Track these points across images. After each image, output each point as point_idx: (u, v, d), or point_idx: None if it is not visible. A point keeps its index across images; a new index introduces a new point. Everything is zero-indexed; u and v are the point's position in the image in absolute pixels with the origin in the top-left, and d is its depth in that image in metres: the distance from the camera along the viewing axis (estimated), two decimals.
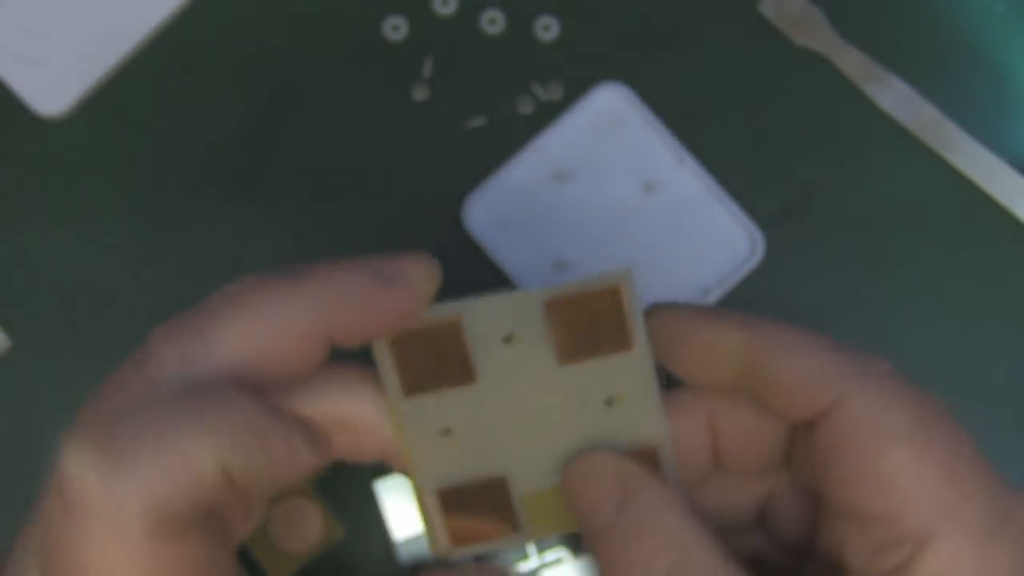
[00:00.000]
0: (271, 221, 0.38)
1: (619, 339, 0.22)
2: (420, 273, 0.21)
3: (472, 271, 0.38)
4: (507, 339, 0.22)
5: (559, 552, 0.34)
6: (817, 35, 0.39)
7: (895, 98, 0.38)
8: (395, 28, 0.39)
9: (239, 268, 0.38)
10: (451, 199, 0.38)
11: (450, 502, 0.23)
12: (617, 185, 0.38)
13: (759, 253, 0.37)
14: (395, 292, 0.21)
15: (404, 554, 0.34)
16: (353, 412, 0.22)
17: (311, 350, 0.21)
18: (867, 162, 0.38)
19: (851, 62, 0.39)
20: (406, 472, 0.23)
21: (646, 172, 0.38)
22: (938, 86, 0.38)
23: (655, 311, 0.22)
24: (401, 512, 0.35)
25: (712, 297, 0.37)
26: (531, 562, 0.34)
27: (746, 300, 0.37)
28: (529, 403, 0.23)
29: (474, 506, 0.23)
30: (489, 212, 0.38)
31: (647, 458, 0.23)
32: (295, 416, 0.21)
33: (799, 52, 0.39)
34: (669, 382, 0.23)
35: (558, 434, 0.23)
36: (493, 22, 0.39)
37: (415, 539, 0.34)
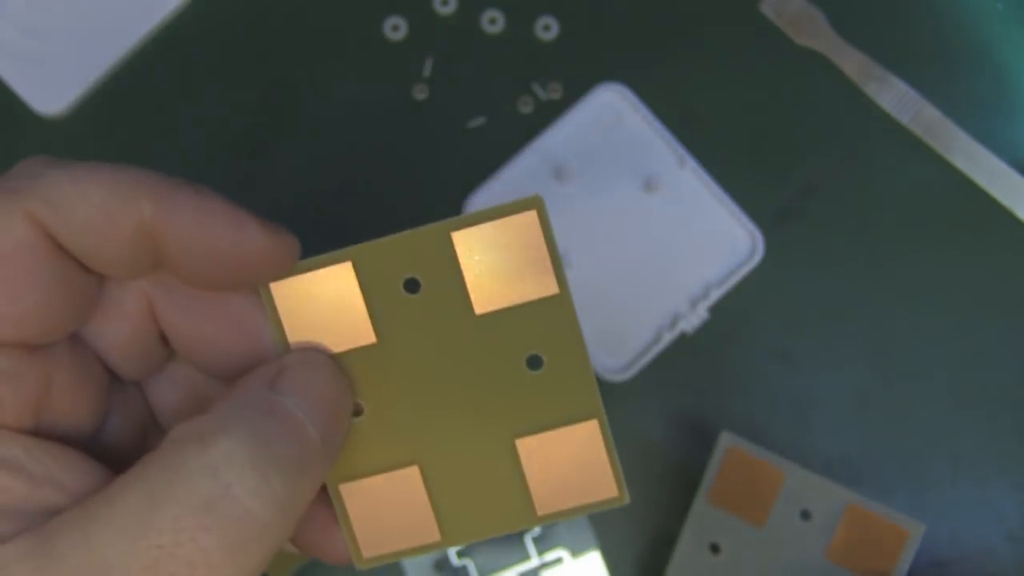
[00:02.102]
0: (271, 221, 0.38)
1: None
2: (288, 234, 0.20)
3: None
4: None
5: (559, 552, 0.34)
6: (817, 35, 0.39)
7: (895, 98, 0.38)
8: (395, 28, 0.39)
9: None
10: (451, 198, 0.38)
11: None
12: (617, 185, 0.38)
13: (759, 253, 0.37)
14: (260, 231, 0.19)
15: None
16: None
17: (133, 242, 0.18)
18: (867, 162, 0.38)
19: (851, 62, 0.39)
20: None
21: (646, 172, 0.38)
22: (938, 86, 0.38)
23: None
24: None
25: (712, 296, 0.37)
26: (531, 562, 0.34)
27: (746, 300, 0.37)
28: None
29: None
30: None
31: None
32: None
33: (799, 52, 0.39)
34: None
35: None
36: (493, 22, 0.39)
37: None
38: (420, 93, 0.39)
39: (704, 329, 0.37)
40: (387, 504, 0.20)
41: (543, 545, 0.34)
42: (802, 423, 0.37)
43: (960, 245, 0.38)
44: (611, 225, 0.38)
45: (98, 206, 0.17)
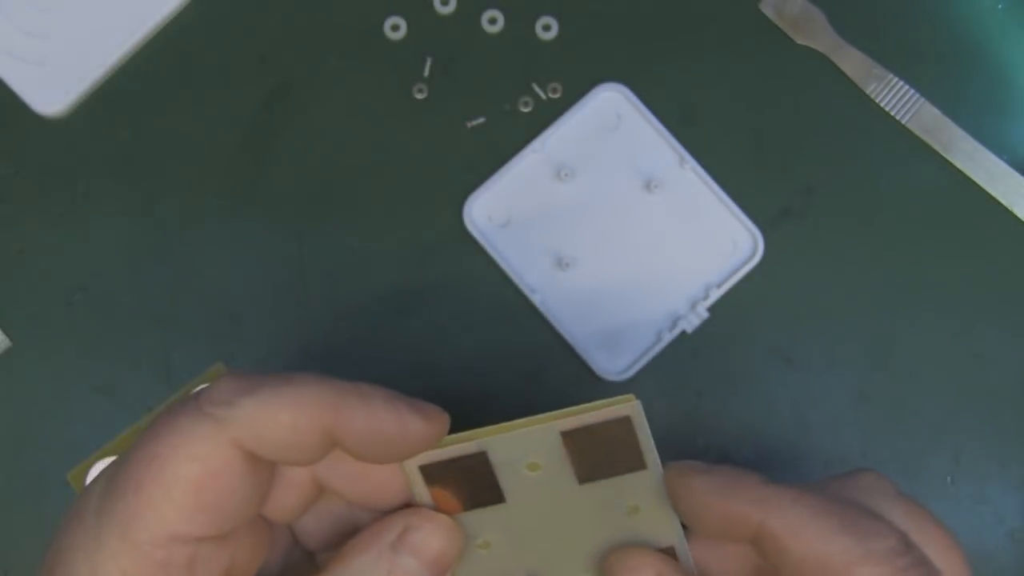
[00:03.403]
0: (271, 221, 0.38)
1: (633, 462, 0.24)
2: (438, 414, 0.23)
3: (472, 270, 0.38)
4: (530, 467, 0.24)
5: None
6: (817, 35, 0.39)
7: (895, 98, 0.38)
8: (395, 27, 0.39)
9: (239, 267, 0.38)
10: (451, 198, 0.38)
11: None
12: (617, 184, 0.38)
13: (759, 253, 0.37)
14: (418, 419, 0.23)
15: None
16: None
17: (312, 443, 0.22)
18: (867, 162, 0.38)
19: (851, 62, 0.39)
20: None
21: (646, 172, 0.38)
22: (938, 86, 0.38)
23: (669, 474, 0.24)
24: None
25: (712, 297, 0.37)
26: None
27: (746, 300, 0.37)
28: (555, 517, 0.25)
29: None
30: (490, 211, 0.38)
31: (669, 555, 0.25)
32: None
33: (799, 52, 0.39)
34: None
35: (584, 540, 0.25)
36: (493, 22, 0.39)
37: None
38: (420, 93, 0.39)
39: (704, 329, 0.37)
40: None
41: None
42: (802, 423, 0.37)
43: (960, 244, 0.38)
44: (611, 225, 0.38)
45: (288, 427, 0.22)
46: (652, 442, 0.24)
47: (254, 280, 0.38)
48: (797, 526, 0.22)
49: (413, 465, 0.24)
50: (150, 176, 0.39)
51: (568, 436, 0.23)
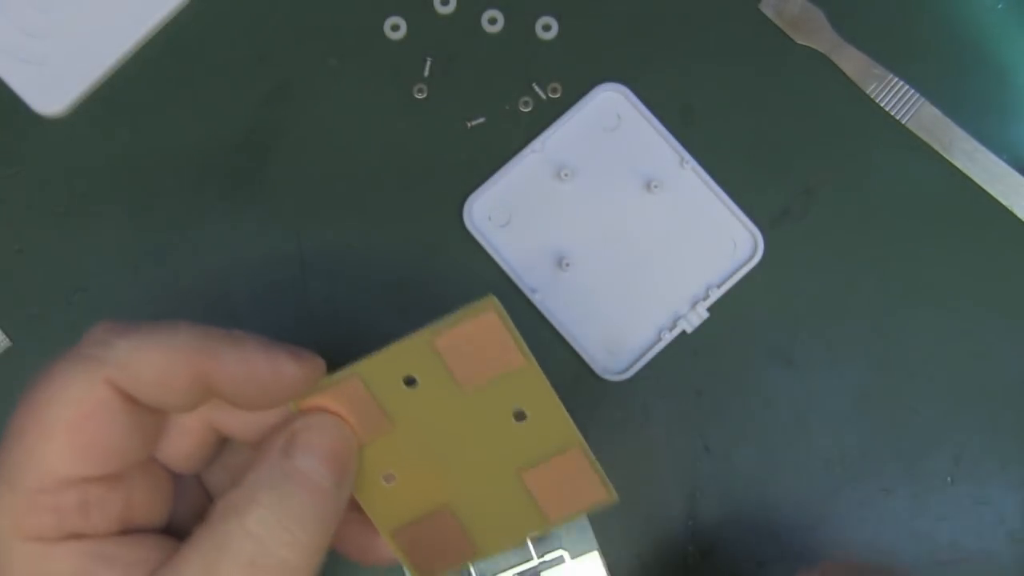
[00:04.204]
0: (271, 221, 0.38)
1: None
2: (312, 357, 0.24)
3: (472, 270, 0.38)
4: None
5: (559, 552, 0.34)
6: (817, 35, 0.39)
7: (895, 98, 0.38)
8: (395, 27, 0.39)
9: (239, 267, 0.38)
10: (451, 198, 0.38)
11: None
12: (618, 184, 0.38)
13: (759, 253, 0.37)
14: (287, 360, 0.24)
15: None
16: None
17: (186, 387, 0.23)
18: (867, 162, 0.38)
19: (851, 62, 0.39)
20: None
21: (646, 172, 0.38)
22: (938, 86, 0.38)
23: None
24: None
25: (712, 296, 0.37)
26: (532, 562, 0.34)
27: (746, 300, 0.37)
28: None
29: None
30: (489, 211, 0.38)
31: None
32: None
33: (799, 52, 0.39)
34: None
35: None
36: (493, 22, 0.39)
37: None
38: (420, 93, 0.39)
39: (704, 329, 0.37)
40: (431, 539, 0.26)
41: (543, 546, 0.34)
42: (802, 423, 0.37)
43: (960, 244, 0.38)
44: (611, 225, 0.38)
45: (160, 368, 0.22)
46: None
47: (254, 280, 0.38)
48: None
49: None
50: (150, 176, 0.39)
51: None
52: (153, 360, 0.22)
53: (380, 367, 0.24)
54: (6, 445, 0.22)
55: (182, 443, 0.25)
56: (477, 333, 0.24)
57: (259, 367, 0.23)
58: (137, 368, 0.22)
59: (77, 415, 0.22)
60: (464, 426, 0.25)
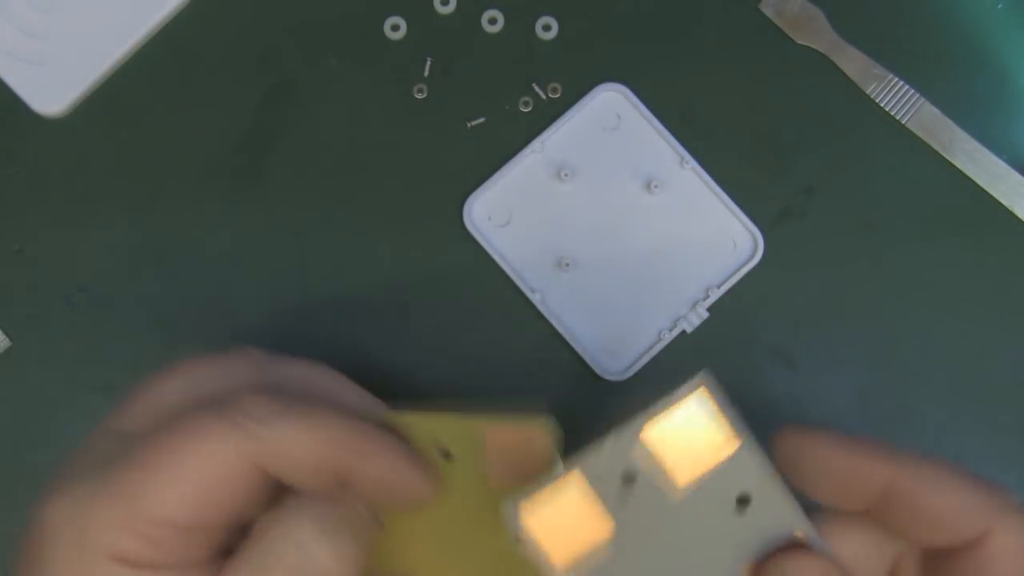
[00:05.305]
0: (271, 220, 0.38)
1: (722, 442, 0.23)
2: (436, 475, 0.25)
3: (472, 270, 0.38)
4: (626, 479, 0.23)
5: None
6: (817, 35, 0.39)
7: (895, 98, 0.38)
8: (395, 27, 0.39)
9: (239, 267, 0.38)
10: (451, 198, 0.38)
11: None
12: (618, 185, 0.38)
13: (759, 253, 0.37)
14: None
15: None
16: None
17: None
18: (867, 162, 0.38)
19: (851, 62, 0.39)
20: None
21: (647, 172, 0.38)
22: (938, 86, 0.38)
23: (786, 436, 0.23)
24: None
25: (712, 297, 0.37)
26: None
27: (746, 300, 0.37)
28: (669, 534, 0.23)
29: None
30: (490, 211, 0.38)
31: (800, 546, 0.23)
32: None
33: (799, 52, 0.39)
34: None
35: (708, 553, 0.23)
36: (493, 22, 0.39)
37: None
38: (420, 93, 0.39)
39: (704, 329, 0.37)
40: None
41: None
42: (801, 423, 0.37)
43: (960, 245, 0.38)
44: (611, 225, 0.38)
45: (308, 457, 0.23)
46: (733, 413, 0.23)
47: (254, 280, 0.38)
48: (934, 479, 0.21)
49: (524, 528, 0.23)
50: (150, 176, 0.39)
51: (653, 436, 0.23)
52: (304, 449, 0.23)
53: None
54: (134, 466, 0.22)
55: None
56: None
57: (392, 479, 0.24)
58: (287, 453, 0.23)
59: (214, 477, 0.22)
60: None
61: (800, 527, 0.23)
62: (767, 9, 0.39)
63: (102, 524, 0.22)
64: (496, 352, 0.37)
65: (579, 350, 0.37)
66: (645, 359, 0.37)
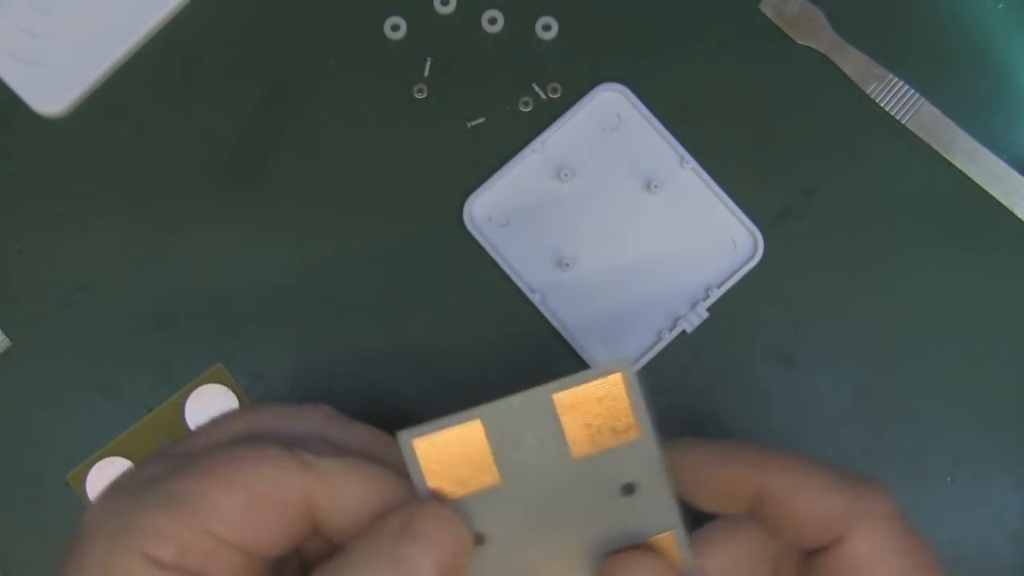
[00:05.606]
0: (271, 221, 0.38)
1: (627, 427, 0.23)
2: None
3: (472, 270, 0.38)
4: (523, 438, 0.23)
5: None
6: (817, 35, 0.39)
7: (895, 98, 0.38)
8: (395, 27, 0.39)
9: (239, 267, 0.38)
10: (451, 198, 0.38)
11: None
12: (618, 185, 0.38)
13: (759, 253, 0.37)
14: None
15: None
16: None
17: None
18: (867, 162, 0.38)
19: (851, 62, 0.39)
20: None
21: (646, 172, 0.38)
22: (938, 86, 0.38)
23: (680, 448, 0.24)
24: None
25: (712, 296, 0.37)
26: None
27: (746, 300, 0.37)
28: (548, 502, 0.24)
29: None
30: (490, 211, 0.38)
31: (667, 544, 0.24)
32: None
33: (799, 52, 0.39)
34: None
35: (579, 532, 0.24)
36: (493, 22, 0.39)
37: None
38: (420, 93, 0.39)
39: (704, 329, 0.37)
40: None
41: None
42: (801, 423, 0.37)
43: (960, 245, 0.38)
44: (611, 225, 0.38)
45: (357, 499, 0.23)
46: (646, 406, 0.23)
47: (254, 280, 0.38)
48: (798, 485, 0.22)
49: (411, 449, 0.23)
50: (150, 176, 0.39)
51: (563, 403, 0.23)
52: (355, 491, 0.23)
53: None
54: (193, 470, 0.23)
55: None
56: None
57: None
58: (338, 493, 0.23)
59: (268, 499, 0.23)
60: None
61: (672, 529, 0.24)
62: (767, 9, 0.39)
63: (140, 524, 0.22)
64: (496, 352, 0.37)
65: (579, 350, 0.37)
66: (645, 359, 0.37)
